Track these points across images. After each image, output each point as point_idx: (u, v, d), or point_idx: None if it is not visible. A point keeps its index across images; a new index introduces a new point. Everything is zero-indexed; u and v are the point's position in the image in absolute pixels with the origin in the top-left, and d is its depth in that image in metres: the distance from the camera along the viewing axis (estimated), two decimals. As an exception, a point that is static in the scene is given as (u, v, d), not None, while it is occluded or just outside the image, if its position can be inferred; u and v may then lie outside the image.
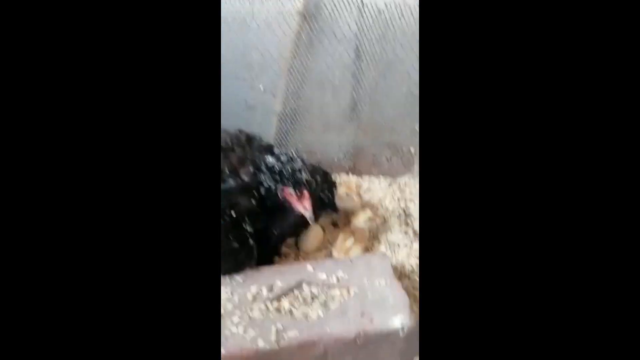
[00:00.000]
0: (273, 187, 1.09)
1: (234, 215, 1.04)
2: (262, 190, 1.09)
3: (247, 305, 0.91)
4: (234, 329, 0.84)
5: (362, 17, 1.42)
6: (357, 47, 1.47)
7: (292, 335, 0.83)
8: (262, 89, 1.57)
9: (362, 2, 1.40)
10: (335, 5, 1.41)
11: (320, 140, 1.67)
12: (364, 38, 1.46)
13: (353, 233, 1.26)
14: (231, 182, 1.11)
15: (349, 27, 1.44)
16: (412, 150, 1.72)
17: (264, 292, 0.95)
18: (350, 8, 1.41)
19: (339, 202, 1.40)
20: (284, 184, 1.08)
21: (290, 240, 1.27)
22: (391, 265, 1.04)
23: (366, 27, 1.43)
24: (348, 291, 0.96)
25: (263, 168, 1.11)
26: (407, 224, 1.43)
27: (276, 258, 1.21)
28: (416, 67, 1.48)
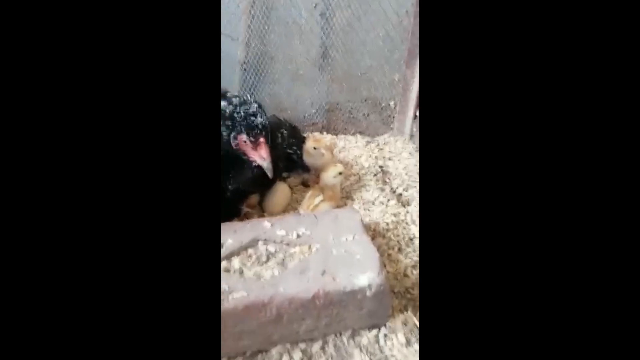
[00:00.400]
0: (225, 135, 0.93)
1: None
2: None
3: (189, 265, 0.77)
4: (168, 292, 0.71)
5: (331, -56, 1.24)
6: (327, -18, 1.30)
7: (239, 296, 0.70)
8: (230, 37, 1.39)
9: None
10: None
11: (290, 94, 1.51)
12: (333, -30, 1.28)
13: (322, 190, 1.12)
14: None
15: (317, -44, 1.26)
16: (392, 104, 1.57)
17: (211, 251, 0.81)
18: None
19: (307, 159, 1.25)
20: (238, 132, 0.93)
21: (253, 201, 1.13)
22: (362, 222, 0.91)
23: (336, -43, 1.26)
24: (309, 248, 0.83)
25: None
26: (384, 182, 1.30)
27: (235, 219, 1.07)
28: (393, 5, 1.32)
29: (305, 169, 1.30)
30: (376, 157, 1.46)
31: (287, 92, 1.50)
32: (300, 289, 0.72)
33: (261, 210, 1.15)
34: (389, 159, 1.46)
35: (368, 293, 0.74)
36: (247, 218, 1.09)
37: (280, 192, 1.16)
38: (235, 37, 1.40)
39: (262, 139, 0.93)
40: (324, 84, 1.48)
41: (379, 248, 0.95)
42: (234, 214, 1.05)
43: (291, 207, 1.19)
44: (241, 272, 0.78)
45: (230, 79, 1.44)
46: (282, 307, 0.71)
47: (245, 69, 1.45)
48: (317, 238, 0.85)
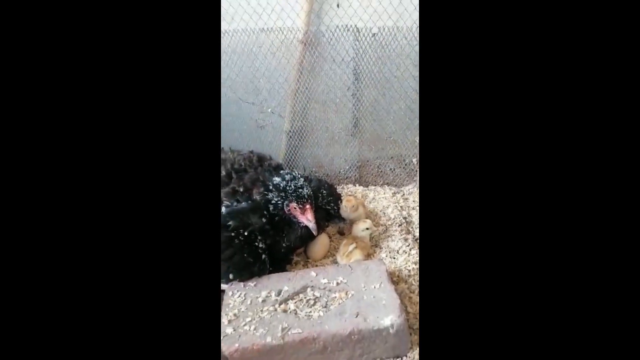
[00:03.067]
0: (280, 203, 1.23)
1: (247, 234, 1.18)
2: (271, 207, 1.24)
3: (258, 307, 1.05)
4: (246, 328, 0.98)
5: (358, 41, 1.55)
6: (356, 69, 1.61)
7: (296, 332, 0.97)
8: (270, 110, 1.73)
9: (357, 28, 1.54)
10: (332, 33, 1.55)
11: (327, 154, 1.81)
12: (361, 60, 1.59)
13: (355, 240, 1.38)
14: (243, 204, 1.26)
15: (347, 51, 1.58)
16: (414, 161, 1.83)
17: (273, 296, 1.09)
18: (347, 34, 1.54)
19: (343, 214, 1.52)
20: (289, 201, 1.22)
21: (300, 250, 1.41)
22: (387, 270, 1.16)
23: (362, 50, 1.57)
24: (346, 294, 1.08)
25: (271, 187, 1.25)
26: (407, 232, 1.54)
27: (287, 266, 1.35)
28: (412, 84, 1.60)
29: (341, 219, 1.57)
30: (401, 207, 1.70)
31: (324, 153, 1.81)
32: (340, 327, 0.98)
33: (305, 257, 1.42)
34: (413, 208, 1.70)
35: (391, 331, 0.98)
36: (295, 264, 1.38)
37: (321, 241, 1.43)
38: (283, 115, 1.73)
39: (308, 206, 1.22)
40: (356, 146, 1.77)
41: (401, 292, 1.18)
42: (287, 262, 1.33)
43: (330, 253, 1.45)
44: (295, 312, 1.05)
45: (279, 145, 1.77)
46: (326, 341, 0.97)
47: (290, 137, 1.77)
48: (352, 286, 1.10)
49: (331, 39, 1.56)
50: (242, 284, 1.14)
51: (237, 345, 0.94)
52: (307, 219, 1.21)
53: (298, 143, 1.79)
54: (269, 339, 0.95)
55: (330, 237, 1.50)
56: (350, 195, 1.66)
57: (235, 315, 1.03)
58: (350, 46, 1.56)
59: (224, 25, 1.57)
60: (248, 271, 1.15)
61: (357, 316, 1.00)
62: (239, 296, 1.09)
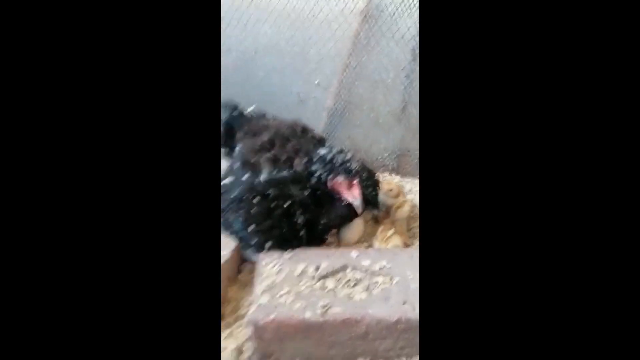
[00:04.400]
0: (324, 177, 1.14)
1: (286, 206, 1.09)
2: (313, 181, 1.15)
3: (294, 280, 0.96)
4: (282, 299, 0.90)
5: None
6: (414, 49, 1.51)
7: (337, 311, 0.88)
8: (317, 82, 1.64)
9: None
10: (396, 7, 1.46)
11: (367, 138, 1.71)
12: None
13: (393, 224, 1.29)
14: (284, 173, 1.18)
15: (408, 29, 1.48)
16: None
17: (310, 270, 1.00)
18: (411, 10, 1.45)
19: (384, 198, 1.43)
20: (334, 174, 1.13)
21: (333, 231, 1.32)
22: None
23: (425, 30, 1.47)
24: (391, 279, 0.99)
25: (315, 159, 1.16)
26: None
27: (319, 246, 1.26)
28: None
29: (377, 206, 1.47)
30: (440, 203, 1.60)
31: (364, 136, 1.71)
32: (386, 313, 0.88)
33: (338, 239, 1.33)
34: (452, 205, 1.60)
35: (441, 325, 0.88)
36: (328, 246, 1.28)
37: (357, 225, 1.34)
38: (326, 87, 1.64)
39: (355, 182, 1.12)
40: (399, 132, 1.67)
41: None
42: (321, 243, 1.24)
43: (363, 239, 1.36)
44: (335, 291, 0.96)
45: (317, 122, 1.68)
46: (370, 326, 0.87)
47: (331, 114, 1.68)
48: (397, 271, 1.01)
49: (394, 14, 1.46)
50: (276, 254, 1.05)
51: (272, 316, 0.85)
52: (353, 195, 1.12)
53: (338, 122, 1.70)
54: (308, 314, 0.86)
55: (364, 223, 1.41)
56: (390, 181, 1.56)
57: (270, 285, 0.94)
58: (413, 23, 1.46)
59: (280, -13, 1.49)
60: (285, 245, 1.07)
61: (404, 304, 0.91)
62: (274, 266, 1.01)
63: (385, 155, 1.74)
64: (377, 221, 1.48)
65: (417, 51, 1.50)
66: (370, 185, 1.46)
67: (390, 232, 1.25)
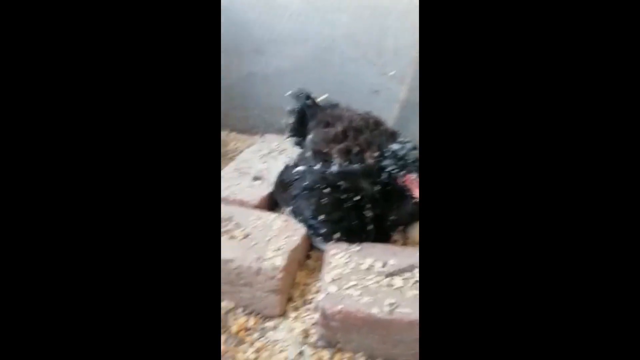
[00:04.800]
0: (395, 173, 1.12)
1: (356, 199, 1.09)
2: (384, 176, 1.13)
3: (362, 274, 0.97)
4: (350, 291, 0.91)
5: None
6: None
7: (404, 311, 0.87)
8: (392, 74, 1.60)
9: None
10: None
11: (440, 134, 1.64)
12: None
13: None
14: (355, 166, 1.18)
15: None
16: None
17: (378, 266, 1.00)
18: None
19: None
20: (407, 170, 1.10)
21: (400, 228, 1.30)
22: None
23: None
24: (462, 285, 0.95)
25: (387, 153, 1.14)
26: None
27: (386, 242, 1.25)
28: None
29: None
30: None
31: (437, 132, 1.64)
32: (456, 320, 0.86)
33: (405, 237, 1.31)
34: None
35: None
36: (394, 243, 1.27)
37: (425, 224, 1.30)
38: (401, 79, 1.59)
39: (428, 180, 1.09)
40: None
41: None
42: (387, 239, 1.23)
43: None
44: (402, 291, 0.95)
45: (389, 115, 1.64)
46: (438, 329, 0.86)
47: (403, 106, 1.63)
48: (468, 278, 0.97)
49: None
50: (345, 245, 1.06)
51: (340, 306, 0.87)
52: (425, 193, 1.09)
53: (410, 116, 1.65)
54: (375, 310, 0.87)
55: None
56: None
57: (338, 275, 0.96)
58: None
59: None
60: (353, 238, 1.07)
61: (475, 312, 0.87)
62: (342, 258, 1.02)
63: (458, 153, 1.66)
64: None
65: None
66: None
67: None
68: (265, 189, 1.30)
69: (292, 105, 1.46)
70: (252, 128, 1.88)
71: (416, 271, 1.00)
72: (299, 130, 1.46)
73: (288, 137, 1.52)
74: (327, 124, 1.36)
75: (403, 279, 0.98)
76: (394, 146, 1.14)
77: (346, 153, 1.23)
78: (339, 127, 1.31)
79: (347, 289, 0.92)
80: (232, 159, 1.50)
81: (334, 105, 1.48)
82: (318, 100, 1.48)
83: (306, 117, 1.45)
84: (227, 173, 1.35)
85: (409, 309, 0.87)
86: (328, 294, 0.90)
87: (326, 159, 1.21)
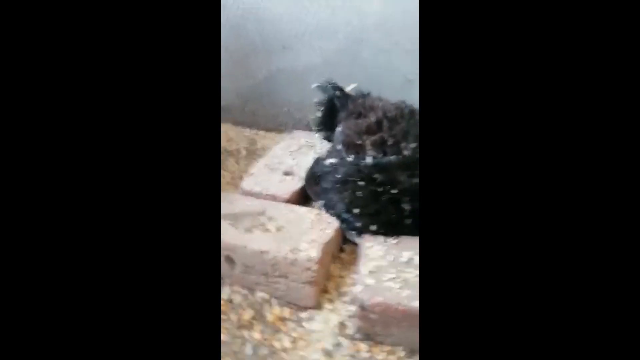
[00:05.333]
0: None
1: (394, 192, 1.05)
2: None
3: (401, 267, 0.92)
4: (390, 284, 0.86)
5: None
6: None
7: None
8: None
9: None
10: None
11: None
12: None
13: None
14: (392, 157, 1.13)
15: None
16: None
17: (417, 259, 0.94)
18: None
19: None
20: None
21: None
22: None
23: None
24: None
25: None
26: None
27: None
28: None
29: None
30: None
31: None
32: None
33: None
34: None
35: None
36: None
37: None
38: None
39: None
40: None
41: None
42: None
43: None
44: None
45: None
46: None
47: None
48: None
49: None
50: (382, 238, 1.02)
51: (380, 299, 0.83)
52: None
53: (445, 106, 1.58)
54: (416, 304, 0.82)
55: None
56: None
57: (376, 267, 0.92)
58: None
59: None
60: (390, 231, 1.03)
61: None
62: (379, 250, 0.98)
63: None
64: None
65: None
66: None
67: None
68: (296, 183, 1.28)
69: (319, 97, 1.43)
70: (281, 126, 1.87)
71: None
72: (327, 124, 1.43)
73: (316, 132, 1.49)
74: (359, 115, 1.32)
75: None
76: None
77: (381, 144, 1.18)
78: (372, 118, 1.27)
79: (386, 281, 0.87)
80: (261, 156, 1.50)
81: (365, 95, 1.44)
82: (347, 90, 1.44)
83: (335, 109, 1.42)
84: (258, 169, 1.35)
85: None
86: (366, 286, 0.86)
87: (359, 151, 1.17)
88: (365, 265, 0.92)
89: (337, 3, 1.58)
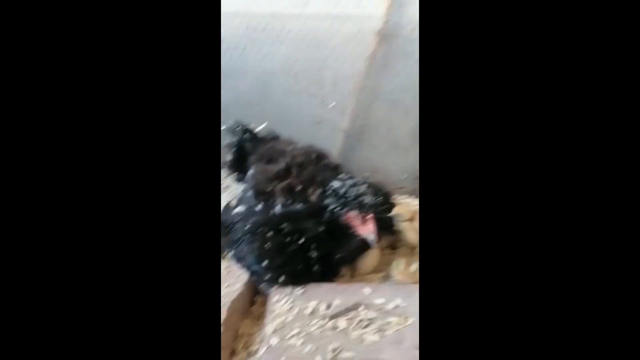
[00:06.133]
0: (338, 211, 1.11)
1: (302, 241, 1.08)
2: (327, 214, 1.11)
3: (306, 319, 0.95)
4: (293, 341, 0.89)
5: (442, 41, 1.41)
6: (433, 71, 1.46)
7: (348, 356, 0.86)
8: (332, 105, 1.62)
9: (443, 26, 1.39)
10: (415, 27, 1.41)
11: (385, 160, 1.68)
12: (441, 62, 1.44)
13: (412, 251, 1.25)
14: (299, 206, 1.16)
15: (427, 50, 1.43)
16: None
17: (322, 308, 0.98)
18: (430, 32, 1.40)
19: (399, 226, 1.39)
20: (348, 208, 1.11)
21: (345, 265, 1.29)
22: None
23: (445, 51, 1.42)
24: (405, 320, 0.96)
25: (329, 191, 1.13)
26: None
27: (334, 279, 1.23)
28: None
29: (392, 232, 1.44)
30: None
31: (382, 157, 1.68)
32: (399, 359, 0.85)
33: (352, 269, 1.31)
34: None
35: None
36: (342, 277, 1.26)
37: (372, 255, 1.31)
38: (345, 112, 1.62)
39: (369, 216, 1.10)
40: (418, 154, 1.63)
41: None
42: (335, 275, 1.22)
43: (379, 269, 1.33)
44: (346, 332, 0.94)
45: (333, 144, 1.66)
46: (382, 373, 0.85)
47: (347, 136, 1.66)
48: (412, 311, 0.98)
49: (412, 33, 1.42)
50: (289, 289, 1.04)
51: (283, 359, 0.84)
52: (368, 230, 1.09)
53: (355, 144, 1.67)
54: (317, 359, 0.85)
55: (379, 251, 1.38)
56: (406, 205, 1.52)
57: (281, 324, 0.93)
58: (431, 44, 1.42)
59: (297, 9, 1.48)
60: (298, 281, 1.05)
61: (416, 349, 0.88)
62: (286, 303, 1.00)
63: (403, 177, 1.69)
64: (393, 248, 1.45)
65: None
66: (385, 210, 1.43)
67: (414, 265, 1.21)
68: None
69: (229, 139, 1.43)
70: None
71: (361, 309, 1.00)
72: (239, 166, 1.43)
73: (228, 174, 1.48)
74: (269, 160, 1.35)
75: (347, 319, 0.97)
76: (335, 184, 1.14)
77: (289, 191, 1.21)
78: (281, 163, 1.30)
79: (290, 338, 0.89)
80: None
81: (275, 137, 1.47)
82: (257, 130, 1.46)
83: (246, 151, 1.42)
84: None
85: (352, 352, 0.86)
86: (269, 347, 0.87)
87: (269, 199, 1.19)
88: (270, 324, 0.93)
89: (246, 45, 1.60)
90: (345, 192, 1.11)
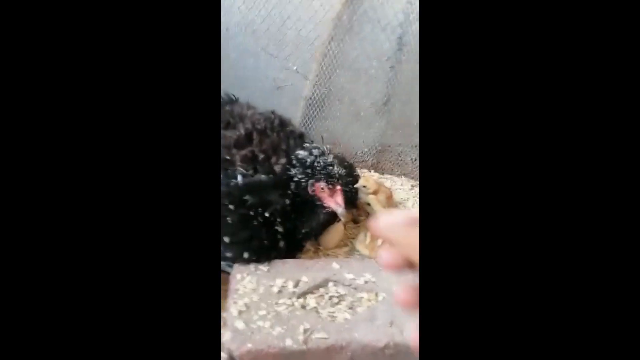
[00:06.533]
0: (304, 182, 1.03)
1: (267, 215, 0.99)
2: (293, 186, 1.03)
3: (273, 298, 0.87)
4: (260, 323, 0.81)
5: (411, 5, 1.35)
6: (401, 38, 1.40)
7: (320, 337, 0.80)
8: (295, 69, 1.50)
9: (413, -11, 1.33)
10: (384, -9, 1.34)
11: (346, 132, 1.61)
12: (409, 29, 1.38)
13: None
14: (263, 176, 1.05)
15: (395, 15, 1.36)
16: (438, 152, 1.67)
17: (290, 286, 0.91)
18: (400, -4, 1.33)
19: (363, 198, 1.35)
20: (315, 179, 1.03)
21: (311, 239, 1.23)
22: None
23: (413, 17, 1.36)
24: (376, 296, 0.93)
25: (295, 162, 1.04)
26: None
27: (298, 254, 1.16)
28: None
29: (355, 205, 1.40)
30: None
31: (344, 129, 1.61)
32: (372, 338, 0.82)
33: (316, 244, 1.25)
34: (431, 203, 1.56)
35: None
36: (305, 252, 1.20)
37: (337, 228, 1.26)
38: (305, 74, 1.51)
39: (338, 187, 1.03)
40: (381, 127, 1.59)
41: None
42: (299, 250, 1.15)
43: (343, 243, 1.29)
44: (317, 311, 0.88)
45: (294, 112, 1.55)
46: (355, 352, 0.81)
47: (309, 105, 1.55)
48: (382, 286, 0.95)
49: (380, -2, 1.34)
50: (252, 266, 0.95)
51: (249, 345, 0.76)
52: (337, 202, 1.03)
53: (316, 113, 1.58)
54: (288, 342, 0.78)
55: (344, 225, 1.33)
56: (369, 177, 1.48)
57: (246, 305, 0.85)
58: (400, 10, 1.35)
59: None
60: (263, 257, 0.97)
61: (391, 325, 0.85)
62: (250, 282, 0.91)
63: (365, 150, 1.65)
64: (356, 222, 1.41)
65: (404, 40, 1.40)
66: (350, 182, 1.38)
67: (379, 241, 1.18)
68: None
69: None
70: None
71: (331, 285, 0.95)
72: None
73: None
74: (228, 124, 1.21)
75: (317, 297, 0.91)
76: (301, 153, 1.05)
77: (251, 160, 1.10)
78: (241, 129, 1.17)
79: (258, 320, 0.81)
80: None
81: (234, 102, 1.33)
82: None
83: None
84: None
85: (325, 332, 0.81)
86: (235, 331, 0.79)
87: (229, 168, 1.06)
88: (234, 305, 0.84)
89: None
90: (313, 162, 1.02)
